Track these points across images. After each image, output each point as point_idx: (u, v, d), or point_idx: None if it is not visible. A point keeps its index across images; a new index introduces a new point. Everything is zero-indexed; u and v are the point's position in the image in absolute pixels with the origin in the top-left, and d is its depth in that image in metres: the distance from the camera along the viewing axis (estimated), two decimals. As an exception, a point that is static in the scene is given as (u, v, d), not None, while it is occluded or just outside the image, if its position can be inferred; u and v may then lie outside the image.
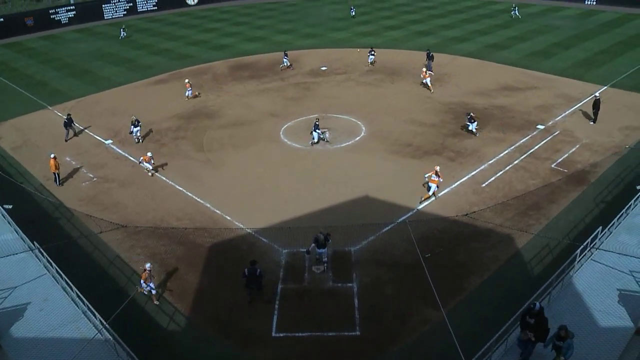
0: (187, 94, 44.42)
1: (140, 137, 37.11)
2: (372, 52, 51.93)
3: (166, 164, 33.14)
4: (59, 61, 60.15)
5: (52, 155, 31.35)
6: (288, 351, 19.15)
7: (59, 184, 31.49)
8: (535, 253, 23.55)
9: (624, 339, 16.76)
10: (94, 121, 41.22)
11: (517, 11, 69.83)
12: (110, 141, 37.14)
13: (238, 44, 63.98)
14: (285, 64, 52.18)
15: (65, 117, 38.76)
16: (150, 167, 31.97)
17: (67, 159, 34.86)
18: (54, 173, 31.40)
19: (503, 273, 22.50)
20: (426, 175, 27.89)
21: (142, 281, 21.50)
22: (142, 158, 31.87)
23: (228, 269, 23.48)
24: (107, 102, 45.60)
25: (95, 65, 57.72)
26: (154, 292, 21.75)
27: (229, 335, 19.99)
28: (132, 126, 36.69)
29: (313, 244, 22.92)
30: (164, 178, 31.70)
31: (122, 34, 69.47)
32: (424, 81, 44.64)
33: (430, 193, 27.79)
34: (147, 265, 21.72)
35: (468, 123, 35.14)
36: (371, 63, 51.49)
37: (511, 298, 20.12)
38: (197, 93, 45.44)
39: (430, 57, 48.41)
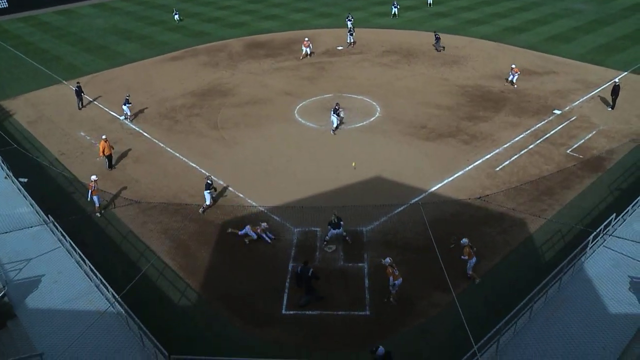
0: None
1: (129, 116, 37.09)
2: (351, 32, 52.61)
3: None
4: (74, 36, 60.38)
5: (103, 137, 30.34)
6: (298, 329, 19.33)
7: (111, 168, 30.72)
8: (547, 238, 23.47)
9: (633, 326, 16.77)
10: (109, 97, 41.41)
11: (432, 3, 68.65)
12: (124, 117, 37.28)
13: (254, 21, 63.72)
14: (349, 40, 52.37)
15: (75, 87, 39.34)
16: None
17: (82, 134, 35.21)
18: (106, 157, 30.40)
19: (514, 258, 22.47)
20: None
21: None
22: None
23: (240, 247, 23.69)
24: (122, 78, 45.77)
25: (110, 40, 57.87)
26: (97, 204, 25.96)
27: (239, 313, 20.20)
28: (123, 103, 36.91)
29: (329, 227, 23.20)
30: (178, 155, 31.85)
31: (177, 17, 64.88)
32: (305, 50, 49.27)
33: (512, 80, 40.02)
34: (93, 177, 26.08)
35: (333, 114, 33.84)
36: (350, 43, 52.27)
37: (522, 283, 20.17)
38: None
39: (437, 39, 49.47)
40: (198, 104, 39.54)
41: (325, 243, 23.47)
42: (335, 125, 33.80)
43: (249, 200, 27.01)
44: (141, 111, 38.26)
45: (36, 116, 38.74)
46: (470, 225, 24.54)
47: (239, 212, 26.03)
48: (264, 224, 23.99)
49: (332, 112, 33.88)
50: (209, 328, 19.60)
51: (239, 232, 23.90)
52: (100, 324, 17.45)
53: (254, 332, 19.30)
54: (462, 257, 20.57)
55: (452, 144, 32.04)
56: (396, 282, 19.74)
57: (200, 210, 26.07)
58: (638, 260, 19.40)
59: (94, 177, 26.08)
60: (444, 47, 49.55)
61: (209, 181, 26.15)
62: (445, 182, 28.05)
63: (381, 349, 15.22)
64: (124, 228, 25.39)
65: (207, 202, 26.26)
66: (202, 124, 36.08)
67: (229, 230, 24.32)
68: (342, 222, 23.26)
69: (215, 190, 26.59)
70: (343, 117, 34.51)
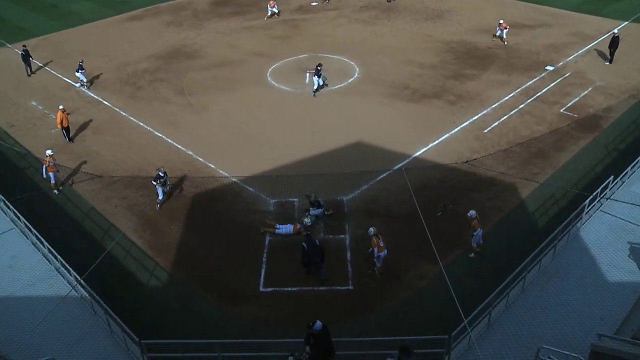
0: None
1: (85, 83, 36.16)
2: None
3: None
4: (19, -7, 58.39)
5: (60, 107, 29.27)
6: (277, 307, 19.28)
7: (70, 140, 29.95)
8: (540, 203, 23.59)
9: (633, 294, 16.91)
10: (62, 62, 40.33)
11: None
12: (79, 84, 36.39)
13: (220, -24, 62.37)
14: None
15: (21, 51, 38.08)
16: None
17: (33, 103, 34.35)
18: (64, 129, 29.49)
19: (505, 225, 22.57)
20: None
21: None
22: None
23: (213, 221, 23.51)
24: (77, 41, 44.57)
25: (62, -1, 56.19)
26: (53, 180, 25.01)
27: (214, 291, 20.07)
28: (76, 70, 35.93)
29: (311, 208, 23.06)
30: (142, 124, 31.27)
31: None
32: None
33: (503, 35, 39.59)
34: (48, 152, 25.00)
35: (315, 76, 33.47)
36: None
37: (514, 251, 20.18)
38: None
39: None
40: (162, 67, 38.81)
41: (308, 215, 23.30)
42: (316, 87, 33.47)
43: (220, 171, 26.71)
44: (99, 77, 37.38)
45: (-21, 84, 37.59)
46: (458, 191, 24.56)
47: (210, 184, 25.72)
48: (307, 220, 22.53)
49: (313, 73, 33.44)
50: (182, 309, 19.42)
51: (276, 231, 22.54)
52: (62, 310, 17.11)
53: (230, 312, 19.18)
54: (474, 232, 20.38)
55: (437, 105, 31.92)
56: (381, 253, 19.69)
57: (157, 207, 24.55)
58: (637, 225, 19.55)
59: (49, 152, 25.38)
60: None
61: (160, 173, 24.08)
62: (430, 146, 28.01)
63: (318, 324, 15.13)
64: (85, 205, 24.93)
65: (160, 197, 24.37)
66: (167, 90, 35.45)
67: (262, 230, 22.71)
68: (321, 202, 23.23)
69: (167, 184, 24.65)
70: (326, 78, 34.14)
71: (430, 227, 20.37)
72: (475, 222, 20.25)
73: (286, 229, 22.51)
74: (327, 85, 34.26)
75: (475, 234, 20.37)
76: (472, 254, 20.87)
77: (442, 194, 24.32)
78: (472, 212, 20.46)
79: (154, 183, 24.13)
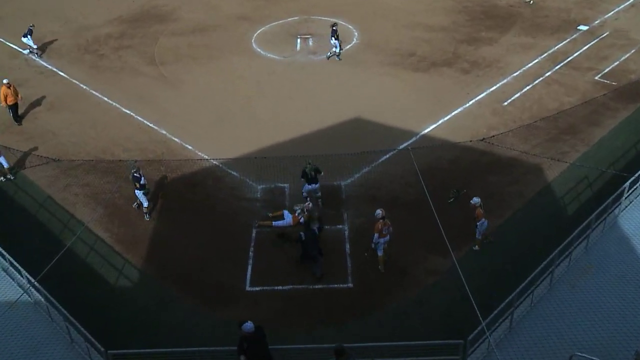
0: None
1: (35, 50, 35.77)
2: None
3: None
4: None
5: (5, 82, 28.59)
6: (265, 308, 19.17)
7: (17, 121, 29.54)
8: (570, 187, 23.51)
9: (684, 291, 16.83)
10: (6, 24, 40.15)
11: None
12: (28, 51, 36.20)
13: None
14: None
15: None
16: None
17: (-28, 74, 34.03)
18: (9, 106, 28.96)
19: (529, 212, 22.49)
20: None
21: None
22: None
23: (192, 210, 23.45)
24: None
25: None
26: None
27: (193, 291, 20.00)
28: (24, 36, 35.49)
29: (302, 179, 22.82)
30: (107, 99, 31.11)
31: None
32: None
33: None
34: None
35: (332, 38, 33.59)
36: None
37: (539, 242, 20.04)
38: None
39: None
40: (129, 32, 38.76)
41: (304, 198, 23.09)
42: (338, 50, 33.65)
43: (200, 153, 26.69)
44: (53, 43, 37.28)
45: None
46: (473, 173, 24.56)
47: (187, 168, 25.63)
48: (308, 204, 22.07)
49: (330, 36, 33.50)
50: (157, 313, 19.31)
51: (273, 223, 22.36)
52: (12, 317, 16.99)
53: (213, 315, 19.10)
54: (478, 222, 20.23)
55: (449, 74, 31.94)
56: (381, 240, 19.63)
57: (146, 217, 23.53)
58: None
59: None
60: None
61: (136, 174, 22.48)
62: (440, 122, 28.04)
63: (249, 324, 15.01)
64: (40, 194, 24.77)
65: (144, 204, 23.20)
66: (135, 59, 35.41)
67: (257, 223, 22.52)
68: (321, 173, 22.86)
69: (147, 190, 23.40)
70: (341, 42, 34.13)
71: (441, 216, 20.20)
72: (479, 211, 20.08)
73: (286, 219, 22.39)
74: (342, 49, 34.28)
75: (479, 224, 20.22)
76: (477, 247, 20.79)
77: (455, 177, 24.27)
78: (475, 200, 20.24)
79: (137, 192, 22.94)
